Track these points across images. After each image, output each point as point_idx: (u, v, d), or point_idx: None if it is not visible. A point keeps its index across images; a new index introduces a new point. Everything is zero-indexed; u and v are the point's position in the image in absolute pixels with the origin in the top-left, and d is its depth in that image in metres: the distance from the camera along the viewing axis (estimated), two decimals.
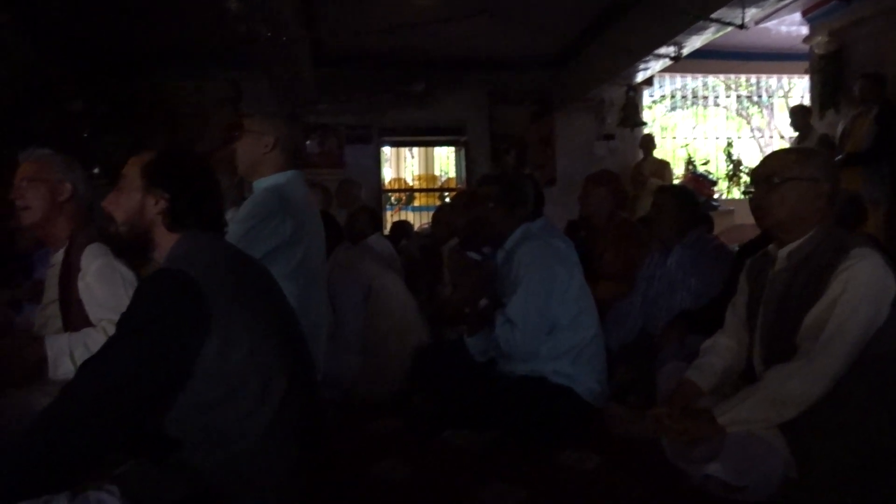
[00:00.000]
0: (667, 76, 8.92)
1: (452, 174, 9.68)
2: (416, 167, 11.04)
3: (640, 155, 7.90)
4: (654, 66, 6.69)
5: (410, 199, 10.20)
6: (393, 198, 9.88)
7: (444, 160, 10.71)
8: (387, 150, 9.25)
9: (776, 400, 1.75)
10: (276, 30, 4.79)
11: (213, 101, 7.40)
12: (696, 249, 3.17)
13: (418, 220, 8.96)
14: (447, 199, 9.12)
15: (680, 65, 6.40)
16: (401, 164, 11.00)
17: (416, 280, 4.47)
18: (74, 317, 2.07)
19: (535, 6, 5.88)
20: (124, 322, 1.45)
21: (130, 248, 1.70)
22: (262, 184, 2.43)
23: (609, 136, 8.13)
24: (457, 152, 8.85)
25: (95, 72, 6.15)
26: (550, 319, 2.68)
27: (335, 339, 3.20)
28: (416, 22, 5.80)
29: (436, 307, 4.01)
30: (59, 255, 2.21)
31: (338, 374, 3.09)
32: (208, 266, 1.52)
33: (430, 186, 10.18)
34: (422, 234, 6.42)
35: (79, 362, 1.86)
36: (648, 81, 7.92)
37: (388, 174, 9.96)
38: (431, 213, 7.69)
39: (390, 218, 8.96)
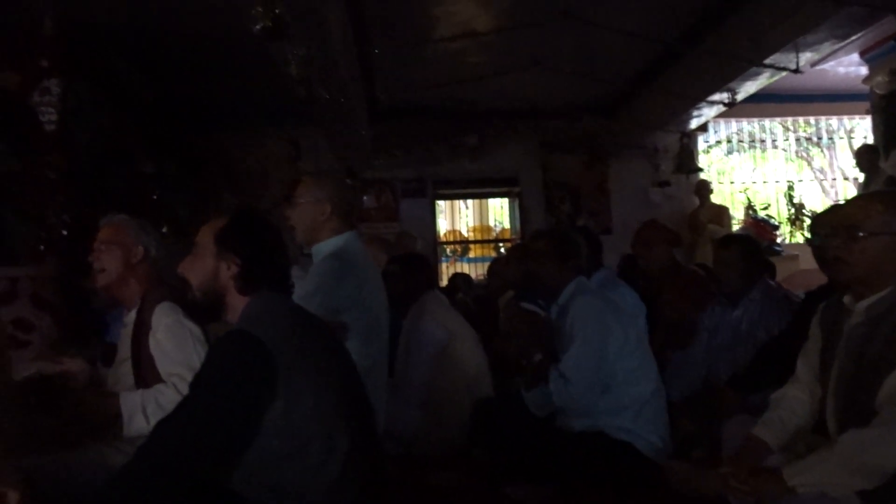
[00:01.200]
0: (722, 121, 8.83)
1: (507, 225, 9.71)
2: (470, 218, 11.13)
3: (697, 201, 7.80)
4: (708, 112, 6.66)
5: (466, 251, 10.26)
6: (448, 249, 9.95)
7: (499, 211, 10.77)
8: (441, 203, 9.37)
9: (853, 467, 1.66)
10: (334, 91, 4.98)
11: (273, 159, 7.67)
12: (763, 301, 3.10)
13: (474, 271, 8.99)
14: (502, 251, 9.14)
15: (736, 109, 6.35)
16: (455, 216, 11.11)
17: None
18: (145, 372, 2.16)
19: (586, 56, 5.96)
20: (196, 382, 1.53)
21: (205, 311, 1.78)
22: (322, 248, 2.51)
23: (664, 183, 8.06)
24: (511, 203, 8.89)
25: (164, 134, 6.48)
26: (606, 374, 2.65)
27: (399, 391, 3.21)
28: (468, 77, 5.95)
29: (493, 359, 4.00)
30: (131, 315, 2.32)
31: (398, 427, 3.10)
32: (275, 327, 1.59)
33: (485, 237, 10.22)
34: (477, 285, 6.45)
35: (151, 418, 1.96)
36: (703, 127, 7.86)
37: (443, 226, 10.06)
38: (487, 264, 7.73)
39: (446, 270, 9.01)
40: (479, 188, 8.66)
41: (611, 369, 2.66)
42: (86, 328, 3.99)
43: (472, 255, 10.12)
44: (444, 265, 9.16)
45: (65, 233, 4.45)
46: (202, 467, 1.47)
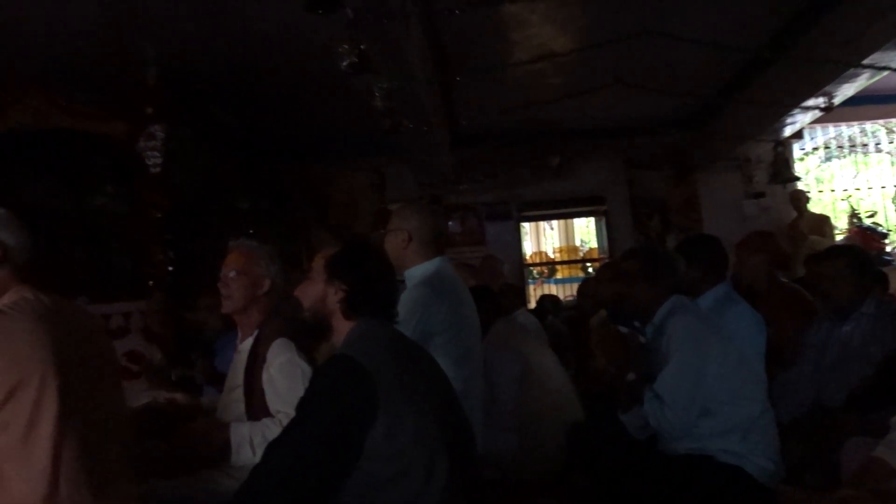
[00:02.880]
0: (818, 126, 8.42)
1: (593, 244, 9.58)
2: (556, 239, 11.03)
3: (794, 212, 7.46)
4: (803, 118, 6.37)
5: (552, 272, 10.17)
6: (535, 271, 9.89)
7: (585, 230, 10.63)
8: (526, 225, 9.35)
9: None
10: (417, 120, 5.08)
11: (360, 190, 7.86)
12: (877, 315, 2.92)
13: (561, 292, 8.89)
14: (590, 271, 9.01)
15: (833, 113, 6.03)
16: (541, 238, 11.04)
17: (564, 354, 4.42)
18: (256, 404, 2.22)
19: (670, 70, 5.83)
20: (302, 405, 1.59)
21: (313, 332, 1.87)
22: (413, 273, 2.54)
23: (759, 195, 7.74)
24: (597, 222, 8.77)
25: (256, 171, 6.78)
26: (705, 397, 2.55)
27: (491, 416, 3.20)
28: (549, 98, 5.94)
29: (586, 381, 3.94)
30: (247, 343, 2.36)
31: (495, 452, 3.08)
32: (376, 352, 1.64)
33: (572, 258, 10.11)
34: (567, 306, 6.37)
35: (257, 450, 2.02)
36: (798, 134, 7.52)
37: (528, 248, 10.02)
38: (574, 285, 7.63)
39: (533, 292, 8.95)
40: (564, 208, 8.59)
41: (710, 391, 2.55)
42: (192, 355, 4.18)
43: (558, 276, 10.02)
44: (531, 287, 9.10)
45: (170, 268, 4.71)
46: (310, 487, 1.51)
